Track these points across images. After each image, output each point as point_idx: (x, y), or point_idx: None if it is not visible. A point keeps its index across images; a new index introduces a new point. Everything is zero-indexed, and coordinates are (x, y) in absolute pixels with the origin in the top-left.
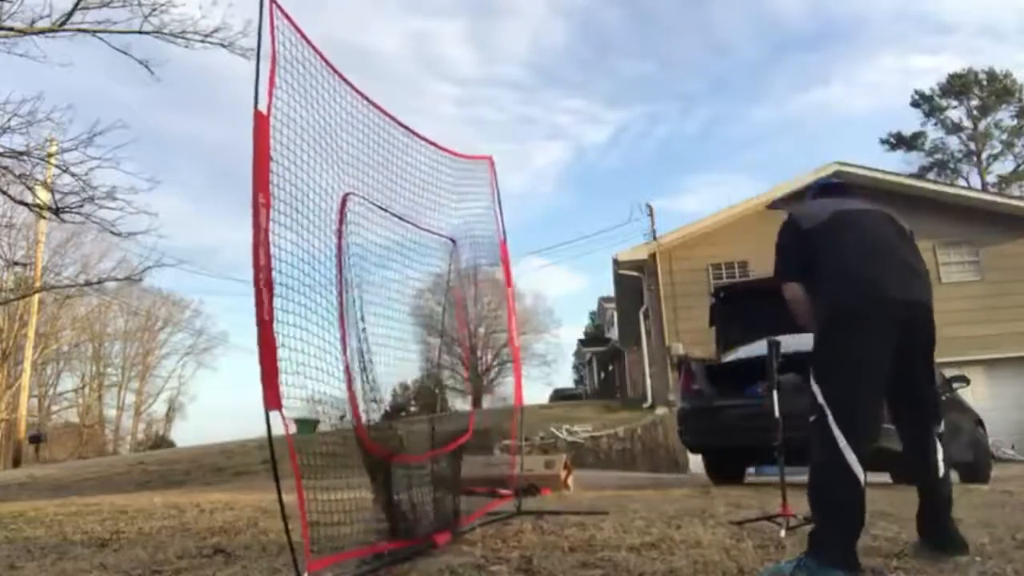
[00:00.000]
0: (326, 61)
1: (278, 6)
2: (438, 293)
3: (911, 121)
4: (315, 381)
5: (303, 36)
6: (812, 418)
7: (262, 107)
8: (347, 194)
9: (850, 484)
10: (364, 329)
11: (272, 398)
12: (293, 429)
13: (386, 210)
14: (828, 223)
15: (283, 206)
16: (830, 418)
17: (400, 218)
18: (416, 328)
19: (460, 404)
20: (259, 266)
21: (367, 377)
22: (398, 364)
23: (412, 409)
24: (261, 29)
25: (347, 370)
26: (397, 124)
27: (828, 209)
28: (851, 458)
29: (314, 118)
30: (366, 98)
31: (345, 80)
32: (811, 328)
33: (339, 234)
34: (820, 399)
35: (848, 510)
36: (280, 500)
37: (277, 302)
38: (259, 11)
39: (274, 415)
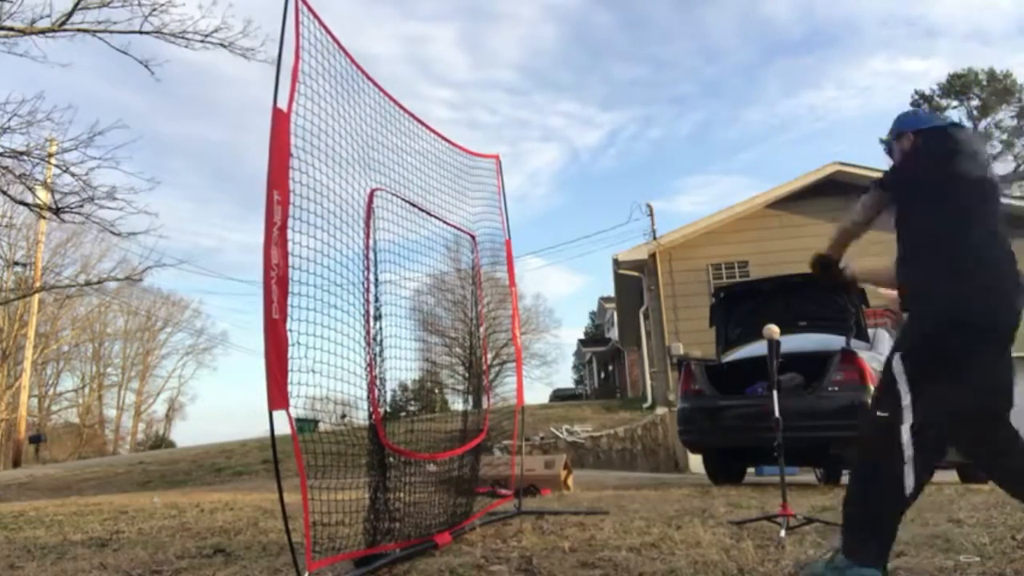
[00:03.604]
0: (351, 57)
1: (304, 2)
2: (466, 289)
3: None
4: (326, 379)
5: (329, 32)
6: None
7: (282, 104)
8: (374, 190)
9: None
10: (381, 328)
11: (278, 398)
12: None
13: (415, 205)
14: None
15: (299, 200)
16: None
17: (428, 213)
18: (441, 326)
19: (475, 402)
20: (269, 264)
21: (383, 374)
22: (417, 362)
23: (429, 406)
24: (284, 26)
25: (370, 367)
26: (416, 120)
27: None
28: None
29: (336, 114)
30: (386, 94)
31: (368, 76)
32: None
33: (367, 230)
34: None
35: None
36: (281, 500)
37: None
38: (284, 8)
39: (278, 415)
